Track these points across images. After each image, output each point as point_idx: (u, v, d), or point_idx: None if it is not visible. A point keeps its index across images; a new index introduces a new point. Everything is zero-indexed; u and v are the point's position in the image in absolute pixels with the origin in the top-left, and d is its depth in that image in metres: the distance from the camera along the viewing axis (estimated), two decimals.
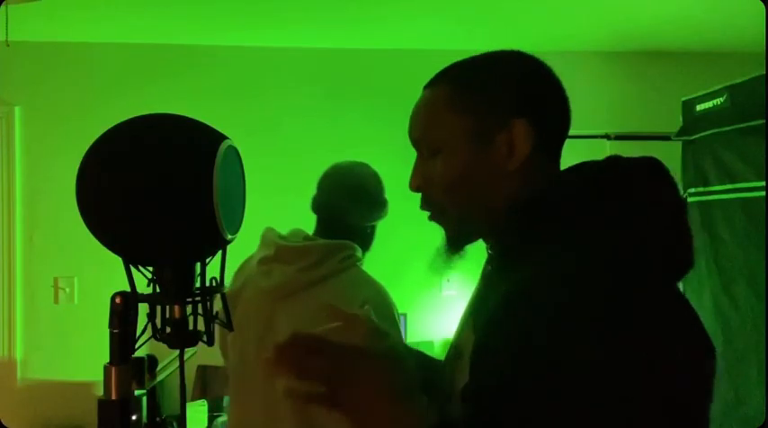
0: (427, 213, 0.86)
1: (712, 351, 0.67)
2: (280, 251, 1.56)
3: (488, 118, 0.78)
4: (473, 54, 0.86)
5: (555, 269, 0.66)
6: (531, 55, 0.83)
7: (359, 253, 1.59)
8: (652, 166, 0.74)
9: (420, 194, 0.86)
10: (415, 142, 0.85)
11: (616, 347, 0.60)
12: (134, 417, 0.86)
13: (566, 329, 0.61)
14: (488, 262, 0.88)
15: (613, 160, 0.76)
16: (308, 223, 2.11)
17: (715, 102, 2.34)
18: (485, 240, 0.86)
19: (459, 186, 0.80)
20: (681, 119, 2.54)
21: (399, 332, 1.57)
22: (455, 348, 0.88)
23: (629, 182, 0.72)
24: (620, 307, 0.62)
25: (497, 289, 0.74)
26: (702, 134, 2.40)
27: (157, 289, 0.87)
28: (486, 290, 0.84)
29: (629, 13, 2.72)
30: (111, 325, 0.86)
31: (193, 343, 0.88)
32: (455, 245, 0.84)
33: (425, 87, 0.86)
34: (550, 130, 0.80)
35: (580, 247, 0.68)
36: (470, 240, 0.85)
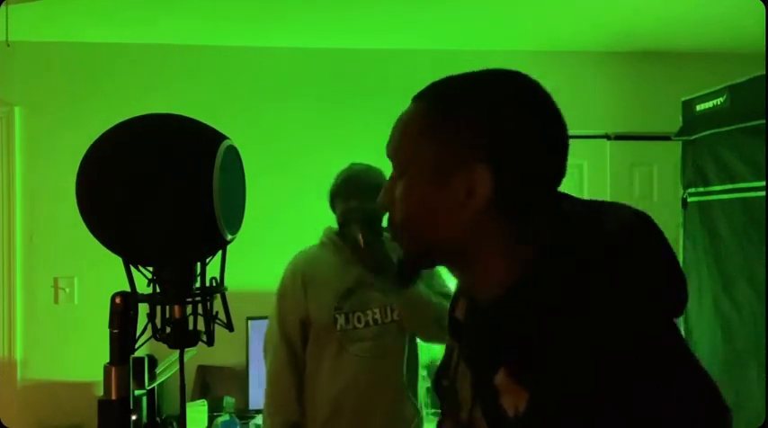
0: None
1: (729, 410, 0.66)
2: None
3: (453, 155, 0.71)
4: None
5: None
6: (533, 86, 0.74)
7: (324, 235, 2.01)
8: (646, 225, 0.71)
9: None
10: (389, 157, 0.80)
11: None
12: (134, 417, 0.87)
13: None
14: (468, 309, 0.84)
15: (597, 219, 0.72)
16: (308, 222, 2.11)
17: (715, 102, 2.33)
18: (453, 275, 0.83)
19: (414, 216, 0.76)
20: (681, 119, 2.54)
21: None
22: (452, 389, 0.84)
23: (625, 251, 0.69)
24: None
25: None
26: (702, 134, 2.40)
27: (157, 289, 0.87)
28: (483, 349, 0.76)
29: (629, 13, 2.72)
30: (111, 325, 0.86)
31: (193, 343, 0.88)
32: (407, 270, 0.85)
33: (413, 98, 0.80)
34: (527, 182, 0.72)
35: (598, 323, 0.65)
36: (423, 267, 0.85)
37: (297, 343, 1.96)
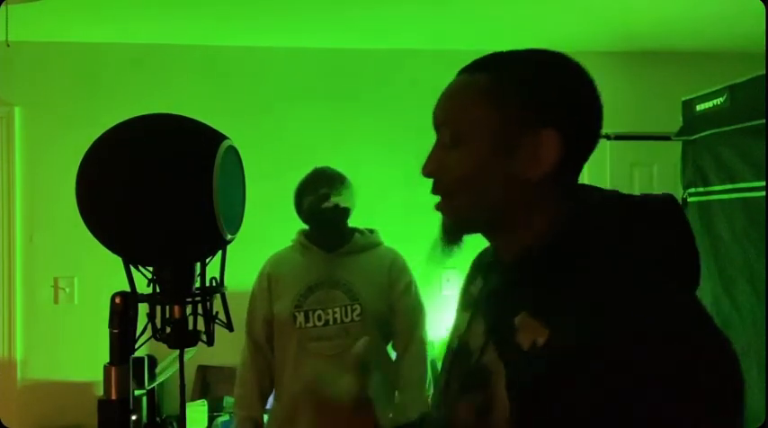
0: (427, 206, 0.85)
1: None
2: None
3: (519, 121, 0.75)
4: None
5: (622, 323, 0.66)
6: (576, 63, 0.79)
7: (295, 237, 2.09)
8: (671, 203, 0.77)
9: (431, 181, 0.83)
10: (439, 126, 0.81)
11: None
12: (134, 417, 0.86)
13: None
14: (494, 265, 0.86)
15: (633, 198, 0.78)
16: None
17: (715, 102, 2.33)
18: (488, 238, 0.85)
19: (472, 182, 0.77)
20: (681, 119, 2.54)
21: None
22: (464, 346, 0.86)
23: (652, 219, 0.75)
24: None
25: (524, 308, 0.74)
26: (702, 134, 2.40)
27: (157, 289, 0.87)
28: (504, 300, 0.81)
29: (629, 13, 2.72)
30: (111, 325, 0.86)
31: (193, 343, 0.88)
32: (452, 236, 0.82)
33: (462, 71, 0.82)
34: (580, 146, 0.77)
35: (627, 287, 0.69)
36: (468, 233, 0.82)
37: (263, 343, 2.02)
